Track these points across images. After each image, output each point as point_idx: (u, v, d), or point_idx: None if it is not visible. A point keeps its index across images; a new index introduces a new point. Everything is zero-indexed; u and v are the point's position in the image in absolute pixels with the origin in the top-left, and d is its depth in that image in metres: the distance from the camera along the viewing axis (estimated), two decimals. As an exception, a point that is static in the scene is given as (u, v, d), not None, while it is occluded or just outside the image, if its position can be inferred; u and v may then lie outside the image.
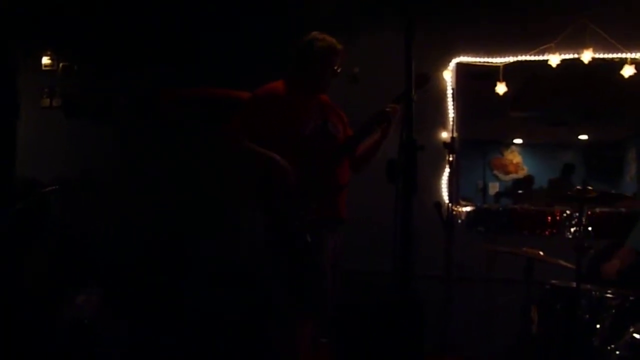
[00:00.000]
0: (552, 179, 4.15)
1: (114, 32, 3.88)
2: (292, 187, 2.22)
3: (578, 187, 2.35)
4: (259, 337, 2.86)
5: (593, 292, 2.34)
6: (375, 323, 2.84)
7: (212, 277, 3.31)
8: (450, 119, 3.43)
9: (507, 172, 4.44)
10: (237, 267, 3.33)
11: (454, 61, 3.50)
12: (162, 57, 3.78)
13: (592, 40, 3.22)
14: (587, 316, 2.30)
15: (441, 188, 3.45)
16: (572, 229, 3.26)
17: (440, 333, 2.89)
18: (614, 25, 3.20)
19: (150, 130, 3.79)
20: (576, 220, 3.16)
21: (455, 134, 3.16)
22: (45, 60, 4.09)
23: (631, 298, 2.28)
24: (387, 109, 2.38)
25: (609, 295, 2.32)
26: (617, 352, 2.07)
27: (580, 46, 3.24)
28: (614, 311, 2.27)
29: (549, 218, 3.33)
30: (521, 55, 3.37)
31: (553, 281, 2.52)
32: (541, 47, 3.31)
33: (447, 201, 3.37)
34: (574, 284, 2.30)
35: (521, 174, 4.41)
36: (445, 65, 3.50)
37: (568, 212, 3.27)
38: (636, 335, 2.06)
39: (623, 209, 3.21)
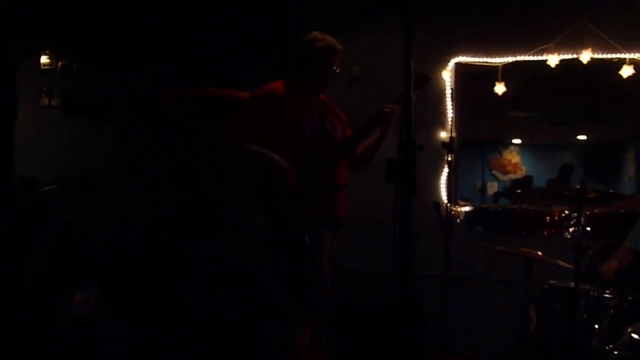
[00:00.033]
0: (550, 179, 4.16)
1: (114, 32, 3.88)
2: (291, 188, 2.22)
3: (577, 186, 2.36)
4: (259, 337, 2.87)
5: (591, 292, 2.34)
6: (375, 323, 2.85)
7: (212, 277, 3.32)
8: (449, 119, 3.44)
9: (506, 172, 4.44)
10: (237, 267, 3.34)
11: (453, 61, 3.50)
12: (162, 57, 3.78)
13: (590, 41, 3.22)
14: (586, 316, 2.31)
15: (440, 188, 3.46)
16: (571, 229, 3.26)
17: (440, 333, 2.90)
18: (613, 26, 3.21)
19: (150, 130, 3.79)
20: (575, 220, 3.17)
21: (454, 134, 3.17)
22: (44, 59, 4.08)
23: (629, 298, 2.29)
24: (386, 109, 2.38)
25: (607, 295, 2.33)
26: (616, 352, 2.08)
27: (579, 46, 3.25)
28: (612, 311, 2.28)
29: (548, 218, 3.34)
30: (520, 56, 3.38)
31: (552, 281, 2.53)
32: (540, 48, 3.32)
33: (445, 201, 3.38)
34: (573, 284, 2.31)
35: (520, 174, 4.41)
36: (444, 65, 3.51)
37: (567, 212, 3.28)
38: (634, 335, 2.07)
39: (622, 210, 3.21)
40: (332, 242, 2.34)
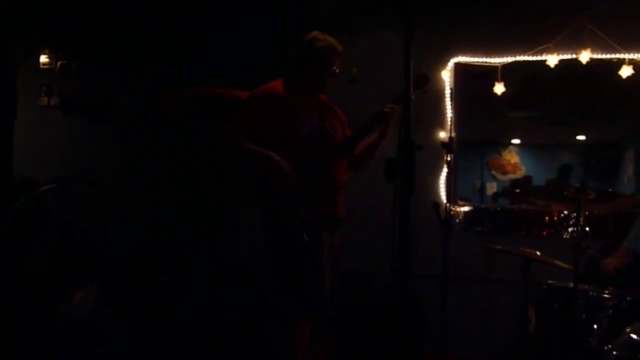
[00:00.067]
0: (549, 179, 4.17)
1: (114, 32, 3.88)
2: (291, 187, 2.23)
3: (576, 185, 2.36)
4: (259, 337, 2.87)
5: (590, 292, 2.35)
6: (375, 323, 2.85)
7: (212, 277, 3.32)
8: (449, 119, 3.45)
9: (505, 172, 4.44)
10: (237, 267, 3.34)
11: (453, 61, 3.51)
12: (162, 57, 3.78)
13: (590, 41, 3.23)
14: (585, 316, 2.31)
15: (439, 188, 3.46)
16: (570, 229, 3.27)
17: (440, 333, 2.90)
18: (613, 26, 3.21)
19: (150, 130, 3.79)
20: (574, 220, 3.18)
21: (453, 134, 3.17)
22: (44, 58, 4.08)
23: (628, 298, 2.29)
24: (386, 109, 2.39)
25: (606, 295, 2.33)
26: (614, 352, 2.08)
27: (578, 46, 3.25)
28: (611, 311, 2.29)
29: (547, 218, 3.35)
30: (519, 56, 3.38)
31: (550, 281, 2.53)
32: (539, 48, 3.32)
33: (445, 201, 3.38)
34: (572, 284, 2.31)
35: (519, 174, 4.41)
36: (443, 65, 3.51)
37: (566, 212, 3.29)
38: (633, 336, 2.07)
39: (622, 210, 3.21)
40: (332, 242, 2.35)
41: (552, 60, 3.29)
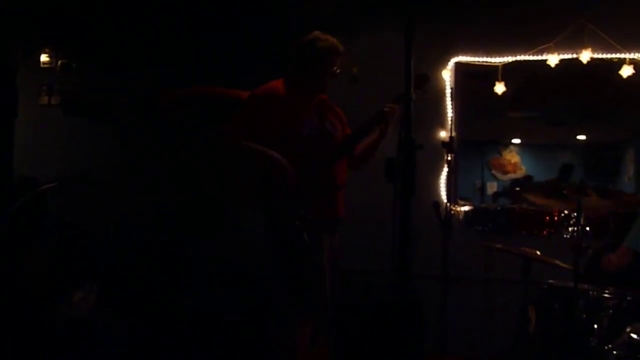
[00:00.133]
0: (550, 179, 4.17)
1: (114, 32, 3.88)
2: (292, 187, 2.23)
3: (577, 183, 2.36)
4: (259, 337, 2.87)
5: (591, 292, 2.35)
6: (375, 323, 2.85)
7: (212, 277, 3.32)
8: (449, 119, 3.44)
9: (506, 172, 4.45)
10: (237, 267, 3.34)
11: (453, 61, 3.50)
12: (162, 57, 3.78)
13: (590, 41, 3.23)
14: (585, 316, 2.31)
15: (439, 187, 3.46)
16: (570, 229, 3.27)
17: (440, 333, 2.90)
18: (613, 26, 3.21)
19: (150, 130, 3.79)
20: (574, 220, 3.17)
21: (453, 134, 3.17)
22: (44, 57, 4.08)
23: (628, 298, 2.29)
24: (386, 109, 2.38)
25: (606, 295, 2.33)
26: (615, 352, 2.08)
27: (579, 46, 3.25)
28: (611, 311, 2.28)
29: (547, 218, 3.34)
30: (520, 55, 3.38)
31: (551, 281, 2.53)
32: (540, 47, 3.32)
33: (445, 201, 3.37)
34: (572, 284, 2.31)
35: (519, 174, 4.42)
36: (444, 64, 3.51)
37: (566, 212, 3.28)
38: (633, 335, 2.07)
39: (622, 210, 3.21)
40: (332, 242, 2.34)
41: (553, 59, 3.29)
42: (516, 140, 4.44)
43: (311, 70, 2.39)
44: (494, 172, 4.44)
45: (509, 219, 3.43)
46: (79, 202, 3.59)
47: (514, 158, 4.46)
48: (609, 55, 3.23)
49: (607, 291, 2.35)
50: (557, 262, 2.46)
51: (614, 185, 3.96)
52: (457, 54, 3.50)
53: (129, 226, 3.60)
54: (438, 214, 2.89)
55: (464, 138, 3.49)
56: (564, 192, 2.41)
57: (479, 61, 3.46)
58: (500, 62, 3.40)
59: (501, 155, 4.48)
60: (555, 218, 3.33)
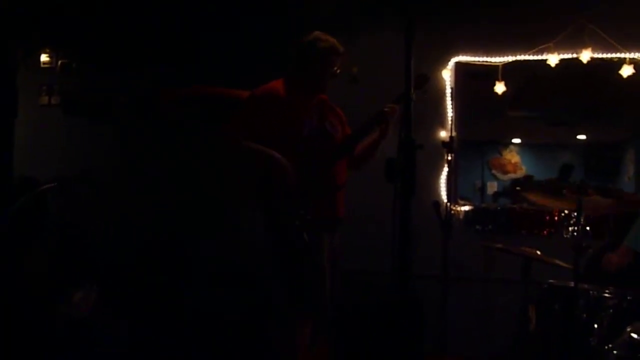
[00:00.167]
0: (550, 179, 4.17)
1: (114, 32, 3.88)
2: (292, 187, 2.23)
3: (577, 183, 2.36)
4: (259, 337, 2.87)
5: (591, 292, 2.34)
6: (375, 323, 2.85)
7: (212, 277, 3.32)
8: (449, 119, 3.44)
9: (506, 172, 4.44)
10: (237, 267, 3.34)
11: (453, 60, 3.50)
12: (162, 57, 3.78)
13: (591, 40, 3.23)
14: (585, 316, 2.31)
15: (439, 187, 3.46)
16: (570, 229, 3.27)
17: (440, 333, 2.90)
18: (613, 25, 3.21)
19: (150, 130, 3.79)
20: (574, 220, 3.17)
21: (453, 134, 3.16)
22: (44, 57, 4.08)
23: (629, 298, 2.29)
24: (386, 109, 2.38)
25: (606, 294, 2.33)
26: (615, 352, 2.08)
27: (579, 46, 3.25)
28: (611, 311, 2.28)
29: (547, 218, 3.34)
30: (520, 55, 3.38)
31: (551, 281, 2.53)
32: (540, 47, 3.32)
33: (445, 200, 3.37)
34: (572, 284, 2.31)
35: (519, 173, 4.41)
36: (444, 64, 3.51)
37: (566, 212, 3.28)
38: (634, 335, 2.07)
39: (623, 209, 3.21)
40: (332, 242, 2.34)
41: (553, 59, 3.29)
42: (516, 140, 4.44)
43: (311, 71, 2.39)
44: (494, 172, 4.43)
45: (509, 218, 3.43)
46: (79, 202, 3.59)
47: (514, 158, 4.46)
48: (609, 55, 3.23)
49: (607, 291, 2.35)
50: (558, 261, 2.46)
51: (614, 185, 3.96)
52: (457, 53, 3.50)
53: (129, 226, 3.60)
54: (438, 214, 2.89)
55: (464, 138, 3.49)
56: (564, 191, 2.40)
57: (479, 61, 3.46)
58: (500, 62, 3.40)
59: (501, 155, 4.48)
60: (556, 218, 3.33)
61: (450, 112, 3.46)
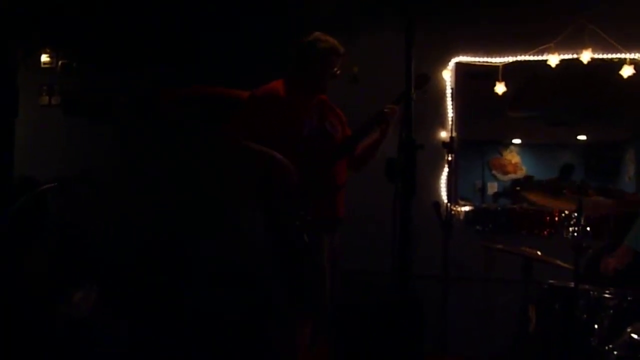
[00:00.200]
0: (550, 179, 4.16)
1: (114, 32, 3.88)
2: (293, 186, 2.23)
3: (577, 183, 2.35)
4: (259, 337, 2.87)
5: (591, 292, 2.34)
6: (375, 323, 2.85)
7: (212, 277, 3.32)
8: (449, 119, 3.44)
9: (506, 172, 4.44)
10: (237, 267, 3.34)
11: (453, 61, 3.50)
12: (162, 57, 3.78)
13: (591, 41, 3.22)
14: (585, 316, 2.30)
15: (440, 188, 3.46)
16: (571, 229, 3.26)
17: (440, 333, 2.90)
18: (613, 26, 3.21)
19: (150, 130, 3.79)
20: (574, 220, 3.17)
21: (454, 134, 3.16)
22: (45, 57, 4.08)
23: (629, 298, 2.29)
24: (386, 110, 2.38)
25: (607, 295, 2.33)
26: (615, 352, 2.08)
27: (579, 46, 3.25)
28: (612, 311, 2.28)
29: (548, 218, 3.34)
30: (520, 55, 3.38)
31: (551, 281, 2.53)
32: (540, 47, 3.32)
33: (445, 201, 3.37)
34: (572, 284, 2.31)
35: (520, 174, 4.41)
36: (444, 65, 3.51)
37: (567, 212, 3.28)
38: (634, 335, 2.07)
39: (624, 209, 3.21)
40: (332, 242, 2.34)
41: (553, 60, 3.29)
42: (517, 141, 4.43)
43: (311, 71, 2.39)
44: (494, 172, 4.43)
45: (509, 219, 3.43)
46: (79, 202, 3.59)
47: (515, 158, 4.45)
48: (609, 56, 3.23)
49: (607, 291, 2.35)
50: (558, 262, 2.46)
51: (615, 185, 3.96)
52: (457, 54, 3.50)
53: (129, 226, 3.60)
54: (438, 214, 2.89)
55: (465, 138, 3.49)
56: (565, 192, 2.40)
57: (479, 61, 3.46)
58: (500, 62, 3.40)
59: (502, 155, 4.47)
60: (556, 218, 3.33)
61: (450, 113, 3.45)
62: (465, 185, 3.96)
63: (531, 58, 3.35)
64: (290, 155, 2.25)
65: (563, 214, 3.30)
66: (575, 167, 4.13)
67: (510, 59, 3.39)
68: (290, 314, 2.28)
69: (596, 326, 2.28)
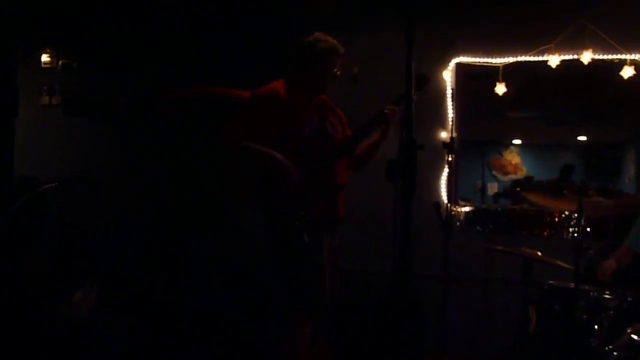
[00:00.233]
0: (551, 180, 4.16)
1: (114, 32, 3.88)
2: (293, 186, 2.23)
3: (577, 184, 2.35)
4: (259, 337, 2.87)
5: (591, 293, 2.34)
6: (375, 323, 2.85)
7: (212, 277, 3.32)
8: (450, 119, 3.44)
9: (506, 173, 4.44)
10: (237, 267, 3.34)
11: (454, 61, 3.50)
12: (162, 57, 3.78)
13: (591, 41, 3.22)
14: (585, 317, 2.30)
15: (440, 188, 3.46)
16: (571, 230, 3.26)
17: (440, 333, 2.90)
18: (614, 26, 3.21)
19: (150, 130, 3.79)
20: (575, 220, 3.17)
21: (454, 134, 3.16)
22: (45, 57, 4.08)
23: (629, 299, 2.29)
24: (386, 110, 2.38)
25: (607, 295, 2.33)
26: (615, 353, 2.08)
27: (579, 47, 3.25)
28: (612, 312, 2.28)
29: (548, 218, 3.34)
30: (521, 56, 3.38)
31: (551, 281, 2.53)
32: (541, 48, 3.31)
33: (445, 201, 3.37)
34: (572, 285, 2.31)
35: (520, 174, 4.41)
36: (444, 65, 3.51)
37: (567, 212, 3.28)
38: (634, 336, 2.07)
39: (623, 210, 3.20)
40: (332, 242, 2.34)
41: (554, 60, 3.29)
42: (517, 141, 4.43)
43: (311, 71, 2.39)
44: (494, 172, 4.43)
45: (509, 219, 3.43)
46: (79, 202, 3.59)
47: (515, 159, 4.45)
48: (609, 56, 3.23)
49: (607, 292, 2.35)
50: (558, 262, 2.46)
51: (615, 185, 3.96)
52: (457, 54, 3.50)
53: (129, 226, 3.60)
54: (439, 215, 2.89)
55: (465, 138, 3.49)
56: (565, 192, 2.40)
57: (479, 62, 3.46)
58: (501, 63, 3.40)
59: (502, 155, 4.47)
60: (556, 219, 3.32)
61: (450, 113, 3.45)
62: (465, 186, 3.96)
63: (531, 58, 3.35)
64: (290, 156, 2.25)
65: (563, 215, 3.30)
66: (575, 167, 4.13)
67: (510, 59, 3.39)
68: (290, 314, 2.28)
69: (596, 327, 2.28)
